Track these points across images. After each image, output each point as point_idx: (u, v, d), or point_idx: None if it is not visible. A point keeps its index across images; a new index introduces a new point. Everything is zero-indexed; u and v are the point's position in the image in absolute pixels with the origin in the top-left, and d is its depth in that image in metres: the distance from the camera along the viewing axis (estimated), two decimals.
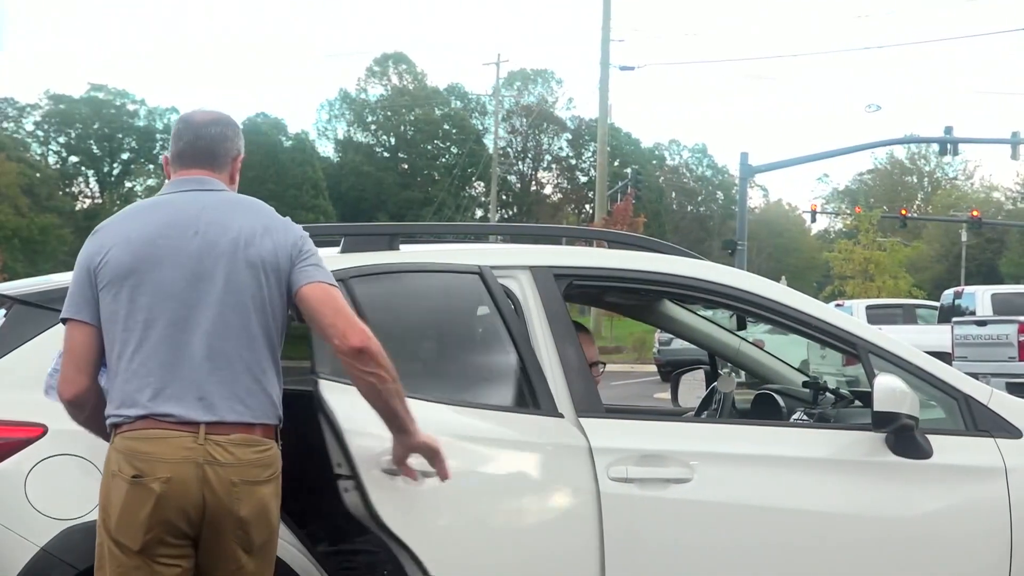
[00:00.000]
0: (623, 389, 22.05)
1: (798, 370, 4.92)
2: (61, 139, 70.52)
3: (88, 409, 2.91)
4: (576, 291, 4.03)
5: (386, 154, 78.72)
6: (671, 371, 6.75)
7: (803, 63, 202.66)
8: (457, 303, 3.63)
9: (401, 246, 3.71)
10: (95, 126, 69.62)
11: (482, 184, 76.42)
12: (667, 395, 7.16)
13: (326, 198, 68.04)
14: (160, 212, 2.90)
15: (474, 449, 3.18)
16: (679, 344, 20.79)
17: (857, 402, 4.38)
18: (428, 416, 3.10)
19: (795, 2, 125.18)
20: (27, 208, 55.15)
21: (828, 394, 4.54)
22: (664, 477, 3.41)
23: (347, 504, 3.09)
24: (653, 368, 26.38)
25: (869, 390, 3.52)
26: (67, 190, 70.03)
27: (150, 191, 69.56)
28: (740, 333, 4.97)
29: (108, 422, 2.84)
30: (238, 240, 2.83)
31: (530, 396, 3.45)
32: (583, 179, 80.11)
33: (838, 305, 23.21)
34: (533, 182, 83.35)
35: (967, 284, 31.65)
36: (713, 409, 4.61)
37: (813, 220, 51.93)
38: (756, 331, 14.52)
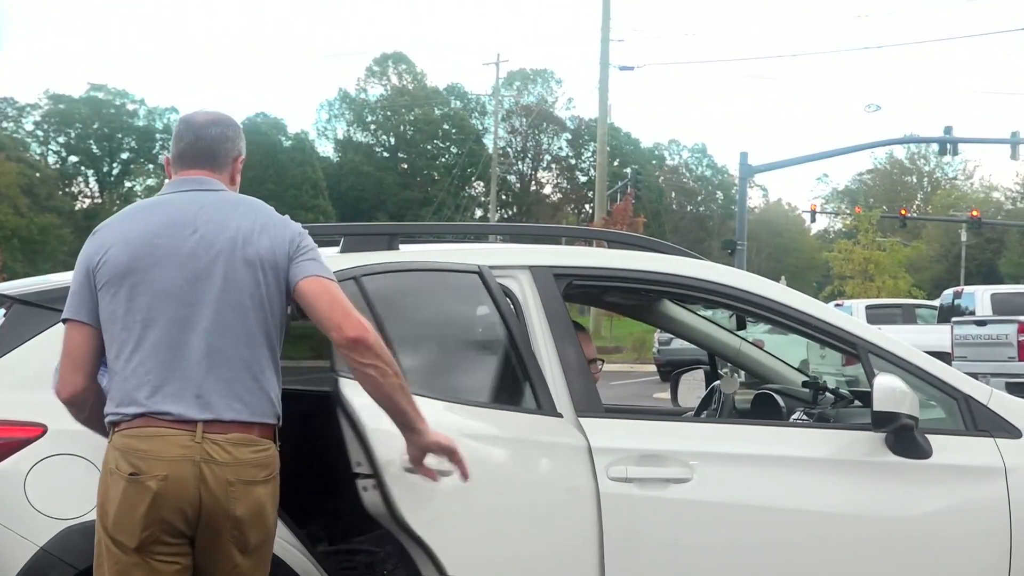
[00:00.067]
0: (623, 389, 22.06)
1: (798, 370, 4.92)
2: (61, 139, 70.55)
3: (88, 409, 2.92)
4: (576, 291, 4.03)
5: (386, 154, 78.73)
6: (671, 371, 6.75)
7: (803, 63, 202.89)
8: (461, 302, 3.63)
9: (401, 246, 3.71)
10: (95, 126, 69.64)
11: (482, 184, 76.44)
12: (667, 395, 7.15)
13: (326, 198, 68.05)
14: (159, 212, 2.91)
15: (474, 448, 3.17)
16: (679, 344, 20.80)
17: (857, 402, 4.38)
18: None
19: (795, 2, 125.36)
20: (27, 208, 55.15)
21: (828, 394, 4.54)
22: (664, 477, 3.41)
23: (366, 503, 3.05)
24: (653, 368, 26.39)
25: (869, 390, 3.52)
26: (67, 190, 70.03)
27: (150, 191, 69.60)
28: (740, 333, 4.97)
29: (106, 420, 2.84)
30: (236, 239, 2.83)
31: (530, 396, 3.45)
32: (583, 179, 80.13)
33: (838, 305, 23.22)
34: (533, 182, 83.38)
35: (967, 284, 31.65)
36: (713, 409, 4.61)
37: (813, 220, 52.16)
38: (756, 331, 14.52)
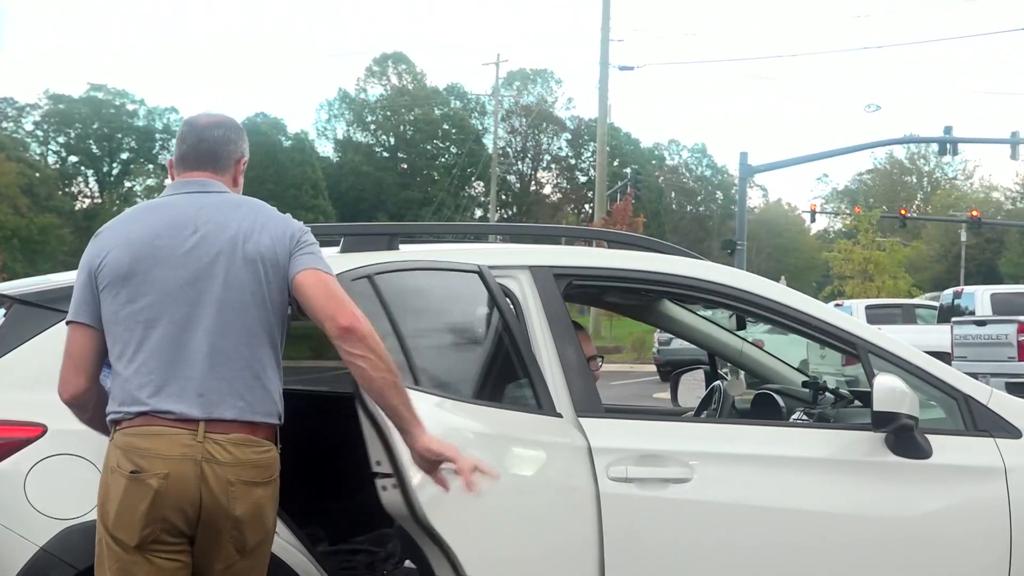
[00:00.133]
0: (623, 389, 22.06)
1: (798, 370, 4.92)
2: (61, 139, 70.56)
3: (90, 409, 2.93)
4: (576, 291, 4.03)
5: (385, 154, 78.73)
6: (671, 371, 6.75)
7: (803, 63, 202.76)
8: (462, 302, 3.63)
9: (400, 246, 3.71)
10: (95, 126, 69.64)
11: (481, 184, 76.46)
12: (667, 395, 7.15)
13: (325, 198, 68.05)
14: (160, 213, 2.92)
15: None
16: (679, 344, 20.80)
17: (857, 402, 4.38)
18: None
19: (795, 2, 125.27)
20: (26, 208, 55.17)
21: (828, 394, 4.54)
22: (663, 477, 3.41)
23: (385, 503, 3.02)
24: (652, 368, 26.38)
25: (869, 390, 3.52)
26: (66, 190, 70.03)
27: (150, 191, 69.72)
28: (740, 333, 4.96)
29: (108, 419, 2.85)
30: (236, 238, 2.84)
31: (529, 396, 3.45)
32: (582, 179, 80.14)
33: (838, 305, 23.22)
34: (532, 182, 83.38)
35: (966, 284, 31.65)
36: (713, 409, 4.61)
37: (812, 220, 52.17)
38: (756, 331, 14.52)
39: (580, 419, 3.44)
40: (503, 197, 77.88)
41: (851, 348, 3.76)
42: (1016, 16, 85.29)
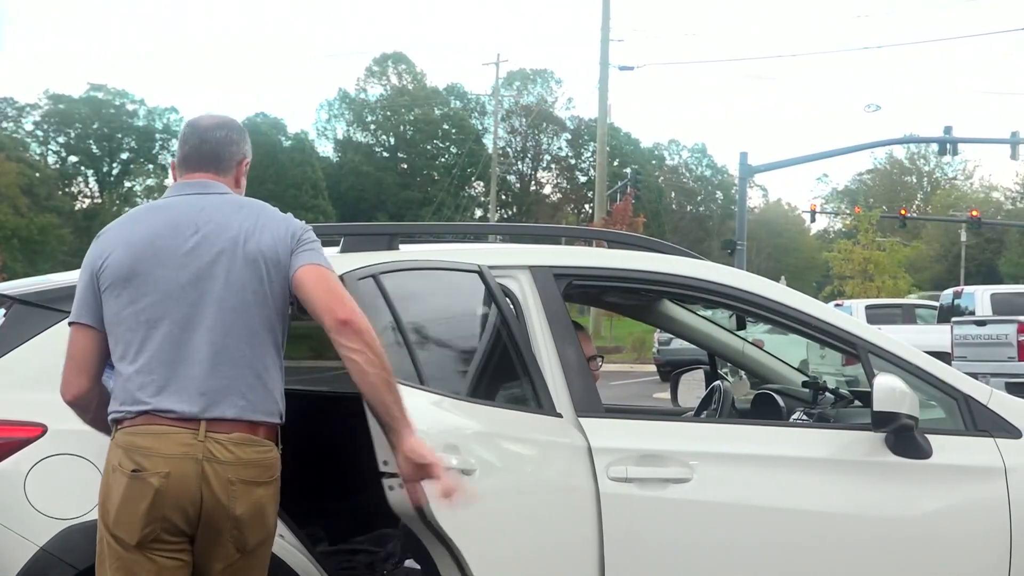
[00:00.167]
0: (623, 389, 22.06)
1: (797, 370, 4.92)
2: (60, 139, 70.57)
3: (92, 410, 2.94)
4: (576, 291, 4.03)
5: (385, 154, 78.73)
6: (670, 371, 6.75)
7: (803, 63, 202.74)
8: (462, 302, 3.63)
9: (400, 246, 3.71)
10: (95, 126, 69.66)
11: (481, 184, 76.46)
12: (667, 395, 7.15)
13: (325, 198, 68.05)
14: (161, 215, 2.93)
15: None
16: (679, 344, 20.80)
17: (857, 402, 4.38)
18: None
19: (795, 2, 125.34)
20: (26, 208, 55.17)
21: (828, 394, 4.54)
22: (664, 477, 3.41)
23: (391, 502, 3.01)
24: (652, 368, 26.39)
25: (869, 390, 3.52)
26: (66, 190, 70.04)
27: (149, 191, 69.75)
28: (740, 333, 4.96)
29: (110, 418, 2.86)
30: (237, 237, 2.84)
31: (530, 396, 3.45)
32: (582, 179, 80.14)
33: (838, 305, 23.22)
34: (532, 182, 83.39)
35: (966, 284, 31.65)
36: (713, 409, 4.61)
37: (812, 220, 52.16)
38: (756, 331, 14.52)
39: (580, 419, 3.44)
40: (503, 197, 77.87)
41: (851, 348, 3.76)
42: (1016, 16, 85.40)
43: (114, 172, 72.54)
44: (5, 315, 3.43)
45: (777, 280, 8.04)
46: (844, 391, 4.59)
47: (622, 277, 3.89)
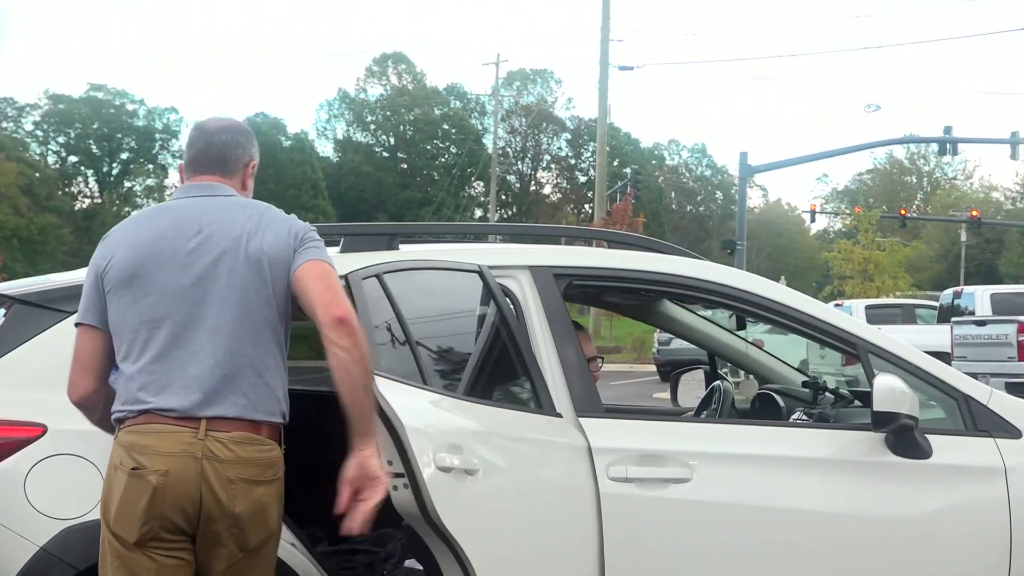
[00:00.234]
0: (623, 389, 22.07)
1: (797, 370, 4.92)
2: (60, 139, 70.57)
3: (99, 411, 2.95)
4: (576, 291, 4.03)
5: (385, 154, 78.73)
6: (670, 371, 6.75)
7: (802, 63, 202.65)
8: (462, 302, 3.63)
9: (400, 246, 3.72)
10: (94, 126, 69.65)
11: (481, 184, 76.46)
12: (667, 395, 7.15)
13: (325, 198, 68.06)
14: (165, 216, 2.95)
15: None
16: (679, 344, 20.80)
17: (857, 402, 4.38)
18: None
19: (794, 2, 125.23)
20: (26, 208, 55.17)
21: (828, 394, 4.54)
22: (663, 477, 3.41)
23: (395, 502, 3.00)
24: (652, 368, 26.39)
25: (869, 390, 3.52)
26: (66, 190, 70.03)
27: (149, 191, 69.77)
28: (740, 333, 4.96)
29: (113, 418, 2.87)
30: (240, 238, 2.85)
31: (529, 396, 3.45)
32: (582, 179, 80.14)
33: (838, 305, 23.22)
34: (532, 182, 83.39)
35: (966, 284, 31.65)
36: (713, 409, 4.61)
37: (812, 220, 52.17)
38: (756, 331, 14.50)
39: (580, 419, 3.44)
40: (503, 197, 77.87)
41: (851, 348, 3.76)
42: (1016, 16, 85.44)
43: (114, 172, 72.53)
44: (5, 315, 3.44)
45: (777, 280, 8.04)
46: (844, 391, 4.59)
47: (622, 277, 3.90)
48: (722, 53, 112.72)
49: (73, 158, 71.27)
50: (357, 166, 74.93)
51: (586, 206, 75.04)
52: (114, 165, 72.34)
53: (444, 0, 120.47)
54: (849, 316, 4.05)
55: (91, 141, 70.11)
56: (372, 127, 79.91)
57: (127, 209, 67.85)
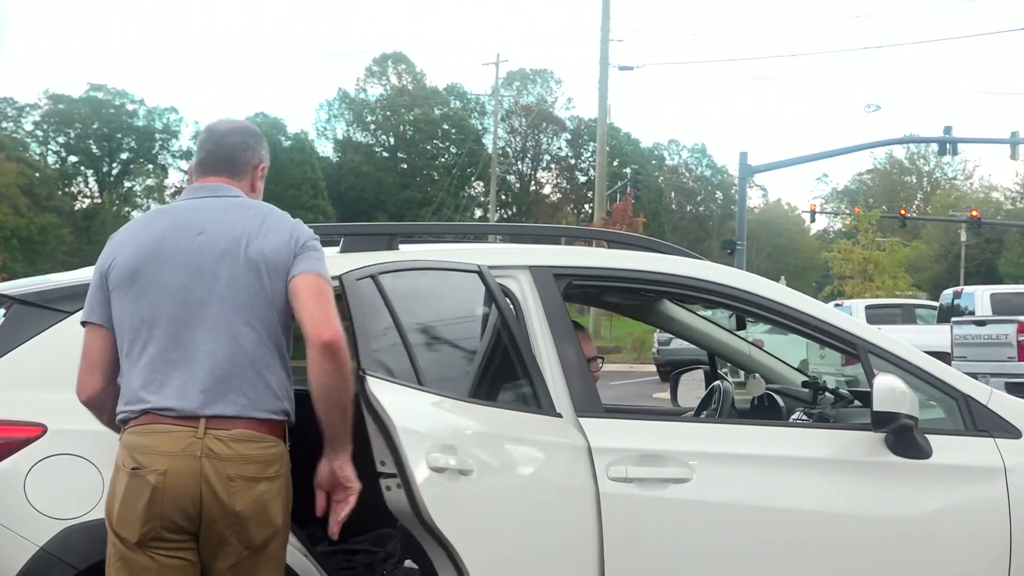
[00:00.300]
0: (622, 389, 22.07)
1: (797, 370, 4.92)
2: (60, 139, 70.57)
3: (108, 411, 2.96)
4: (576, 291, 4.03)
5: (385, 154, 78.72)
6: (670, 371, 6.75)
7: (802, 63, 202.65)
8: (462, 301, 3.63)
9: (400, 246, 3.71)
10: (94, 126, 69.65)
11: (481, 184, 76.46)
12: (666, 395, 7.15)
13: (325, 198, 68.04)
14: (169, 217, 2.97)
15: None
16: (678, 344, 20.81)
17: (856, 402, 4.38)
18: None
19: (794, 2, 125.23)
20: (26, 208, 55.17)
21: (827, 394, 4.54)
22: (663, 477, 3.41)
23: (389, 502, 3.01)
24: (652, 368, 26.39)
25: (869, 390, 3.52)
26: (66, 190, 70.03)
27: (149, 191, 69.78)
28: (740, 333, 4.96)
29: (117, 419, 2.89)
30: (241, 239, 2.87)
31: (529, 396, 3.45)
32: (582, 179, 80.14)
33: (837, 305, 23.22)
34: (532, 182, 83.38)
35: (966, 284, 31.65)
36: (712, 409, 4.61)
37: (812, 220, 52.17)
38: (756, 331, 14.51)
39: (580, 419, 3.44)
40: (503, 197, 77.87)
41: (851, 348, 3.76)
42: (1016, 16, 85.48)
43: (114, 172, 72.53)
44: (5, 315, 3.44)
45: (777, 280, 8.04)
46: (844, 391, 4.59)
47: (622, 277, 3.89)
48: (722, 53, 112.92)
49: (73, 158, 71.28)
50: (357, 166, 74.92)
51: (586, 206, 75.04)
52: (114, 165, 72.34)
53: (444, 0, 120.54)
54: (849, 316, 4.05)
55: (91, 141, 70.11)
56: (372, 127, 79.91)
57: (127, 209, 67.94)
